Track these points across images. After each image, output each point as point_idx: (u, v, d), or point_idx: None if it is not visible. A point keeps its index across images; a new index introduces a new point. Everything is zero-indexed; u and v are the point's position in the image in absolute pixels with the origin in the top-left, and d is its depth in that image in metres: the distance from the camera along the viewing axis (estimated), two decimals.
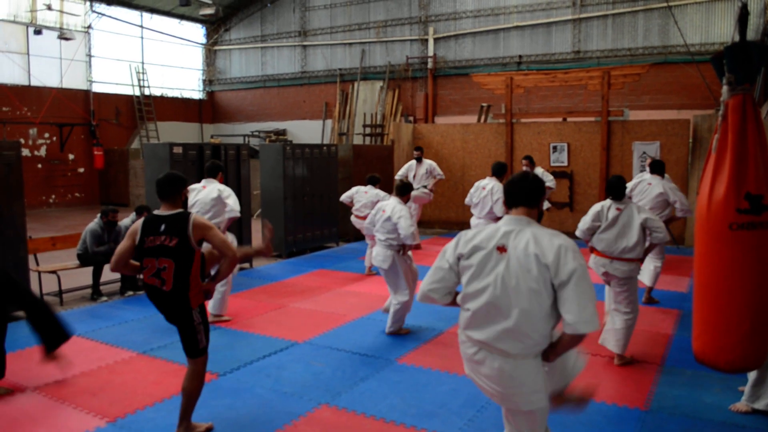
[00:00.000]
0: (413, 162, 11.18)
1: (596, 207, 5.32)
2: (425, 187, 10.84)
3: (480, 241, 2.80)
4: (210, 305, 6.55)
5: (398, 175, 11.18)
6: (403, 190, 6.37)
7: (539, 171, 9.92)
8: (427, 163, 11.17)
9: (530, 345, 2.72)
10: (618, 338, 5.25)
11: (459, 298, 2.91)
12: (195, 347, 3.96)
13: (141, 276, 3.92)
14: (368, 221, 6.59)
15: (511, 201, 2.87)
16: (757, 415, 4.21)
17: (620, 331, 5.23)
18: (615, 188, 5.25)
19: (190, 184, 4.21)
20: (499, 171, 8.29)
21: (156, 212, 3.92)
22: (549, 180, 9.78)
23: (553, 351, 2.77)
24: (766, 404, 4.18)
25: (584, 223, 5.35)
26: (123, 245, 3.93)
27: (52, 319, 4.79)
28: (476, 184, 8.51)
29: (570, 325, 2.61)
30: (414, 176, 11.01)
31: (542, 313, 2.68)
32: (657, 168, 7.50)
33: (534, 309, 2.67)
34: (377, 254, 6.23)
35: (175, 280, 3.75)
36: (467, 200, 8.59)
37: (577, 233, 5.44)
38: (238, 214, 6.59)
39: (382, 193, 8.96)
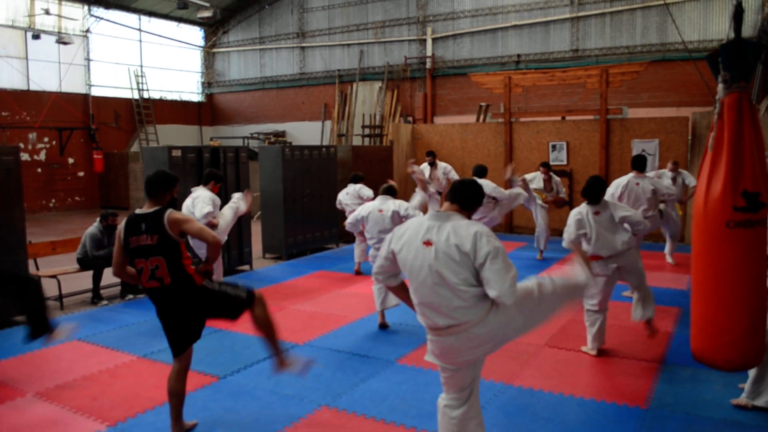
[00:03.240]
0: (426, 165, 11.17)
1: (575, 215, 5.32)
2: (439, 193, 10.75)
3: (408, 237, 3.14)
4: None
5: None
6: (391, 191, 6.49)
7: (557, 180, 10.01)
8: (442, 165, 11.18)
9: (475, 310, 3.02)
10: (645, 307, 5.49)
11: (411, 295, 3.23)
12: (240, 303, 3.96)
13: (140, 283, 3.92)
14: (351, 219, 6.64)
15: (450, 197, 3.21)
16: (758, 412, 4.21)
17: (644, 300, 5.48)
18: (592, 191, 5.28)
19: (179, 183, 4.19)
20: (483, 172, 8.43)
21: (137, 211, 3.93)
22: (562, 192, 10.13)
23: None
24: (767, 401, 4.18)
25: (569, 234, 5.33)
26: (115, 250, 3.98)
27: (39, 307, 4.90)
28: None
29: (496, 299, 2.95)
30: (430, 179, 11.00)
31: (472, 290, 2.98)
32: (639, 164, 7.47)
33: (463, 284, 2.97)
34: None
35: (171, 273, 3.79)
36: None
37: (564, 245, 5.42)
38: (206, 222, 6.40)
39: (359, 186, 9.04)
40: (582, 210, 5.32)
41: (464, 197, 3.20)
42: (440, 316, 3.06)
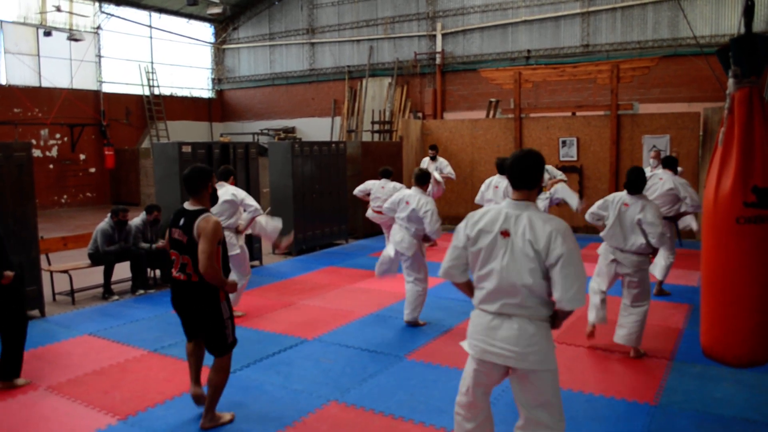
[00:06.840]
0: (428, 159, 11.27)
1: (609, 196, 5.46)
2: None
3: (485, 224, 3.00)
4: None
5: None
6: (422, 179, 6.38)
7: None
8: (439, 160, 11.20)
9: (538, 309, 2.94)
10: (630, 332, 5.28)
11: (474, 280, 3.11)
12: (223, 343, 4.03)
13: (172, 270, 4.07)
14: (388, 204, 6.61)
15: (512, 181, 3.03)
16: None
17: (632, 324, 5.27)
18: (630, 182, 5.24)
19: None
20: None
21: (185, 205, 4.06)
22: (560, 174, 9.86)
23: (556, 322, 3.03)
24: None
25: (593, 207, 5.51)
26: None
27: None
28: (487, 182, 8.56)
29: (557, 302, 2.90)
30: None
31: (542, 287, 2.91)
32: (670, 163, 7.50)
33: (536, 285, 2.89)
34: (402, 240, 6.28)
35: (198, 274, 3.89)
36: (478, 199, 8.59)
37: (586, 216, 5.58)
38: (261, 212, 6.68)
39: (399, 185, 9.01)
40: (617, 195, 5.38)
41: (524, 176, 2.97)
42: (510, 294, 2.92)
